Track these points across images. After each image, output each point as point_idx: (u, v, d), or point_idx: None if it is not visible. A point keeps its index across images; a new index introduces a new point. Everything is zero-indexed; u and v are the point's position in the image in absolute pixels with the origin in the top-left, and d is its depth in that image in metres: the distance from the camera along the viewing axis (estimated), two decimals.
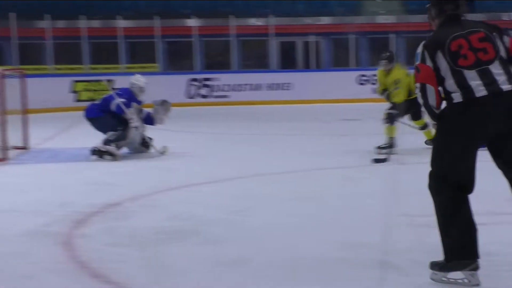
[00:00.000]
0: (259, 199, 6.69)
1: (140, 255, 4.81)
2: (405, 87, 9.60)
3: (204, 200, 6.69)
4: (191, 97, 20.04)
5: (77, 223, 5.70)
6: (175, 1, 23.21)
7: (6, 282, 4.27)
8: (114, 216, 5.98)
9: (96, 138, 9.59)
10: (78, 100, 18.66)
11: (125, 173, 8.40)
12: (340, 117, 15.37)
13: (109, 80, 11.69)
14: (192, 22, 21.08)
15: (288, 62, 22.81)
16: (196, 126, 13.88)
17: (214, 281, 4.21)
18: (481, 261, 3.94)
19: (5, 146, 9.48)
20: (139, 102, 9.92)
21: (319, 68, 22.36)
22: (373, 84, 20.44)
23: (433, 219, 4.04)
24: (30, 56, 20.82)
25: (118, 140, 9.49)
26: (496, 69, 4.08)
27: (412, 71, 4.85)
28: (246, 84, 20.00)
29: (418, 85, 4.12)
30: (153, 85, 19.66)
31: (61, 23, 21.33)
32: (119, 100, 9.57)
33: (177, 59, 22.66)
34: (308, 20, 22.75)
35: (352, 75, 20.60)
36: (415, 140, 9.89)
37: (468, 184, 4.04)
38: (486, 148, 4.10)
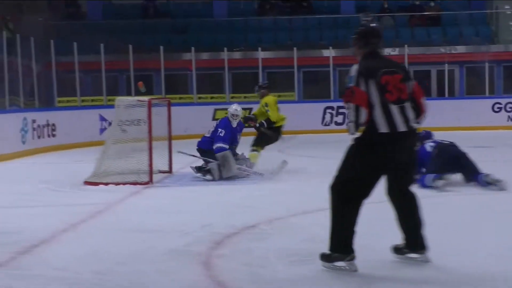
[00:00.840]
0: (389, 223, 6.54)
1: (274, 275, 4.81)
2: None
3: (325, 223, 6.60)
4: (327, 125, 20.03)
5: (216, 243, 5.77)
6: (313, 33, 23.36)
7: None
8: (251, 238, 6.01)
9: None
10: None
11: (262, 196, 8.45)
12: (474, 143, 14.88)
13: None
14: (329, 53, 21.10)
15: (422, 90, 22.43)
16: (331, 152, 13.78)
17: None
18: None
19: (151, 170, 9.75)
20: (235, 130, 10.41)
21: (453, 96, 21.83)
22: (508, 111, 19.79)
23: None
24: (175, 86, 21.47)
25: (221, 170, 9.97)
26: (408, 109, 4.71)
27: None
28: None
29: (352, 105, 4.61)
30: (290, 113, 19.88)
31: (204, 55, 21.89)
32: (220, 145, 9.94)
33: (314, 88, 22.74)
34: (443, 49, 22.30)
35: (487, 102, 20.00)
36: None
37: (365, 198, 4.87)
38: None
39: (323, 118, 20.18)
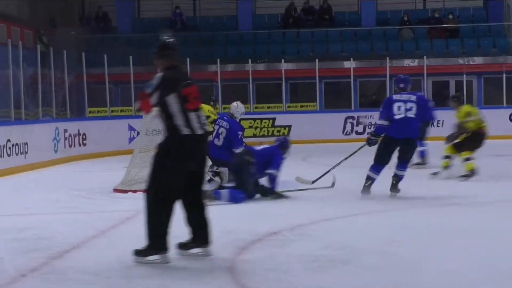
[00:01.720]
0: (414, 231, 6.54)
1: (296, 280, 4.83)
2: None
3: (358, 230, 6.62)
4: (348, 134, 20.01)
5: (240, 249, 5.79)
6: (334, 45, 23.35)
7: None
8: (273, 244, 6.02)
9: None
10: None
11: (284, 204, 8.46)
12: (492, 153, 14.78)
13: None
14: (349, 64, 21.09)
15: (440, 100, 22.34)
16: (351, 161, 13.76)
17: None
18: None
19: None
20: (241, 128, 10.19)
21: None
22: None
23: None
24: (201, 96, 21.54)
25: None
26: (201, 115, 5.39)
27: None
28: None
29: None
30: (313, 123, 19.99)
31: (229, 67, 21.97)
32: (241, 149, 9.62)
33: (335, 98, 22.72)
34: (461, 61, 22.20)
35: (504, 112, 19.89)
36: None
37: (177, 199, 5.32)
38: None
39: (344, 127, 20.16)
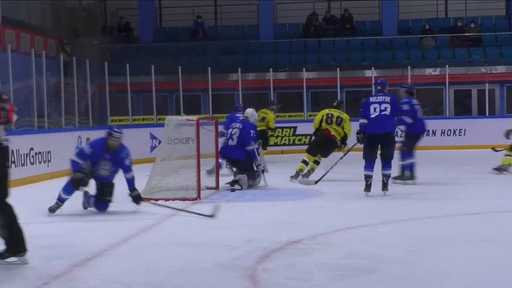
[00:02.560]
0: (435, 240, 6.50)
1: None
2: None
3: (379, 239, 6.59)
4: None
5: (261, 258, 5.79)
6: (356, 54, 23.31)
7: None
8: (295, 253, 6.01)
9: (282, 179, 9.70)
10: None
11: (306, 212, 8.46)
12: None
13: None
14: (371, 73, 21.03)
15: (462, 109, 22.22)
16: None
17: None
18: None
19: (199, 186, 9.82)
20: (254, 127, 11.11)
21: (493, 114, 21.54)
22: None
23: None
24: (222, 105, 21.59)
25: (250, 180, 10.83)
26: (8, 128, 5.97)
27: None
28: None
29: None
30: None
31: (250, 76, 22.00)
32: (255, 147, 10.73)
33: (356, 106, 22.64)
34: (483, 69, 22.06)
35: None
36: None
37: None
38: None
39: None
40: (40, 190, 11.48)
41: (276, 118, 15.60)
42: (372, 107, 9.79)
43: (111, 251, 6.26)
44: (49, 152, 13.23)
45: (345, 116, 12.38)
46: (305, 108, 20.92)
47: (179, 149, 10.60)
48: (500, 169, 12.35)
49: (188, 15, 25.17)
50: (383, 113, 9.70)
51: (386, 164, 9.76)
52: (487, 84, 21.19)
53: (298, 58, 23.21)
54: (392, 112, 9.75)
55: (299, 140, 19.99)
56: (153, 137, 17.50)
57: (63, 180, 11.87)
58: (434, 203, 9.03)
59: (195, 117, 10.32)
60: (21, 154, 12.19)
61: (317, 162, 12.02)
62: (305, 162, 11.93)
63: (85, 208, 8.87)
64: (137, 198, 8.71)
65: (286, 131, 20.11)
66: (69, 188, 8.55)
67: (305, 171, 11.81)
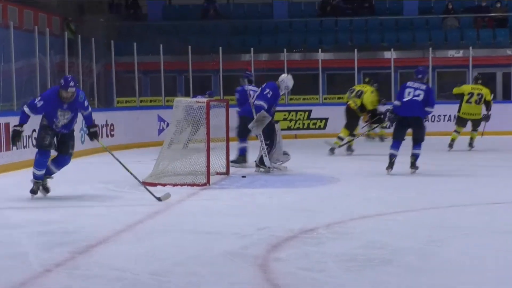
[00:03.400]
0: (455, 230, 6.46)
1: (332, 280, 4.78)
2: None
3: (397, 229, 6.56)
4: (388, 128, 19.79)
5: (273, 247, 5.77)
6: (374, 34, 23.19)
7: None
8: (308, 242, 5.99)
9: (295, 165, 9.68)
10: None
11: (321, 199, 8.42)
12: None
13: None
14: (390, 55, 20.92)
15: None
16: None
17: None
18: None
19: (208, 171, 9.80)
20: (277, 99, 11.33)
21: None
22: None
23: None
24: (234, 87, 21.54)
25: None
26: None
27: None
28: (441, 115, 19.52)
29: None
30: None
31: (263, 57, 21.95)
32: (261, 103, 10.94)
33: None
34: (509, 52, 21.91)
35: None
36: None
37: None
38: None
39: (383, 121, 19.98)
40: None
41: (376, 101, 14.85)
42: (407, 91, 10.80)
43: (115, 238, 6.26)
44: None
45: (366, 88, 14.46)
46: (321, 90, 20.86)
47: (188, 132, 10.58)
48: None
49: None
50: (415, 98, 10.67)
51: (415, 145, 10.70)
52: None
53: (313, 38, 23.12)
54: (423, 99, 10.64)
55: (314, 124, 19.97)
56: (161, 119, 17.51)
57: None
58: (456, 191, 8.99)
59: (204, 99, 10.29)
60: (23, 136, 12.18)
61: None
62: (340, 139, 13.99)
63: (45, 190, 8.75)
64: (93, 134, 8.86)
65: (300, 115, 20.06)
66: (39, 160, 8.47)
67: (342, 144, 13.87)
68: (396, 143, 10.67)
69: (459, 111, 14.87)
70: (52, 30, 17.00)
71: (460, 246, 5.82)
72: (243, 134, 11.82)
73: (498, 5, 23.25)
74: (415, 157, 10.70)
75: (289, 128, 19.43)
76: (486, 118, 14.55)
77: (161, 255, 5.50)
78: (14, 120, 9.21)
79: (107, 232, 6.43)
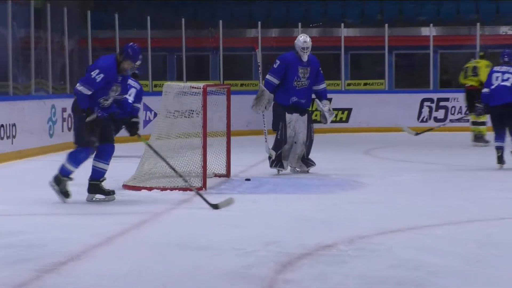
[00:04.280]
0: (505, 247, 6.48)
1: None
2: None
3: (435, 245, 6.57)
4: (424, 121, 19.86)
5: (283, 266, 5.79)
6: (409, 6, 23.18)
7: None
8: (326, 260, 6.00)
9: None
10: None
11: (342, 209, 8.44)
12: None
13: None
14: (428, 31, 20.91)
15: None
16: (428, 156, 13.71)
17: None
18: None
19: (205, 172, 9.83)
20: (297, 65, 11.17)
21: None
22: None
23: None
24: (237, 69, 21.61)
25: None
26: None
27: None
28: None
29: None
30: (379, 106, 19.87)
31: (273, 32, 21.95)
32: (267, 78, 11.16)
33: (409, 74, 22.57)
34: None
35: None
36: None
37: None
38: None
39: (420, 112, 20.04)
40: (1, 173, 11.55)
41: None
42: (494, 76, 11.66)
43: (92, 253, 6.28)
44: (13, 125, 13.27)
45: (481, 63, 15.67)
46: (343, 74, 20.87)
47: (180, 124, 10.60)
48: None
49: None
50: (503, 83, 11.51)
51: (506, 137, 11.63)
52: None
53: (335, 10, 23.14)
54: None
55: (335, 116, 19.92)
56: (147, 108, 17.55)
57: (31, 162, 11.97)
58: (507, 200, 8.98)
59: (201, 84, 10.30)
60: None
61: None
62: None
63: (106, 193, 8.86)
64: (133, 127, 8.96)
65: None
66: (80, 157, 8.61)
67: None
68: (498, 135, 11.53)
69: None
70: None
71: (510, 266, 5.84)
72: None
73: None
74: (500, 150, 11.52)
75: None
76: None
77: (146, 275, 5.53)
78: None
79: (81, 246, 6.45)
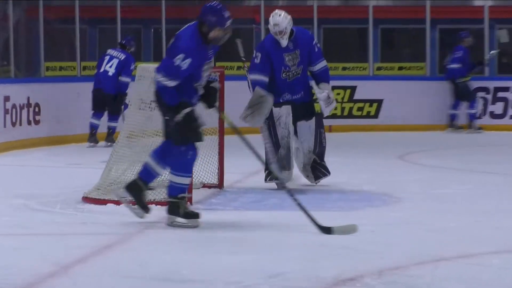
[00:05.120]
0: None
1: None
2: None
3: (491, 278, 6.60)
4: (477, 117, 19.87)
5: None
6: None
7: None
8: None
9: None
10: None
11: (367, 232, 8.44)
12: None
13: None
14: (482, 2, 20.95)
15: None
16: (482, 163, 13.73)
17: None
18: None
19: (191, 182, 9.84)
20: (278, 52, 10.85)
21: None
22: None
23: None
24: (232, 47, 21.60)
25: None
26: None
27: None
28: None
29: None
30: (419, 96, 19.86)
31: (279, 1, 22.05)
32: (252, 77, 11.08)
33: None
34: None
35: None
36: None
37: None
38: None
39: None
40: None
41: None
42: None
43: (43, 284, 6.30)
44: None
45: None
46: (371, 55, 20.88)
47: (156, 118, 10.60)
48: None
49: None
50: None
51: None
52: None
53: None
54: None
55: (359, 109, 19.96)
56: None
57: None
58: None
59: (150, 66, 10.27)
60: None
61: None
62: None
63: None
64: (214, 94, 8.73)
65: (338, 94, 20.04)
66: (190, 161, 8.53)
67: None
68: None
69: None
70: None
71: None
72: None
73: None
74: None
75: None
76: None
77: None
78: None
79: (31, 275, 6.47)
